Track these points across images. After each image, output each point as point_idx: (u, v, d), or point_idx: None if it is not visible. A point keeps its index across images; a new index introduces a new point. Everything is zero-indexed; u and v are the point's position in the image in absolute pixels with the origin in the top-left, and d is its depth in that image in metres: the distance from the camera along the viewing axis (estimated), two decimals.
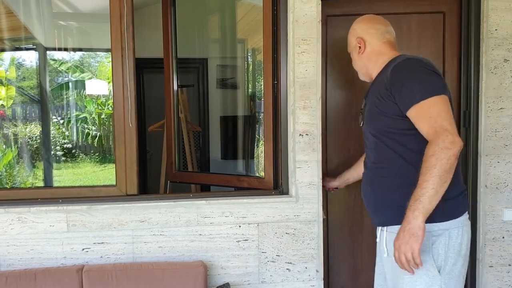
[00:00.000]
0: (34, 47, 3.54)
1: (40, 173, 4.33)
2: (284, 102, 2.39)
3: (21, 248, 2.22)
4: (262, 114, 2.58)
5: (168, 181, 3.36)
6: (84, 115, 5.54)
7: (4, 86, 4.39)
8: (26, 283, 2.10)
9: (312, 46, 2.31)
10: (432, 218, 1.57)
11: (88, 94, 5.36)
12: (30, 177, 4.26)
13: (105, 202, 2.28)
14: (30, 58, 4.07)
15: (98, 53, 5.21)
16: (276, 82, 2.41)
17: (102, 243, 2.26)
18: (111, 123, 5.66)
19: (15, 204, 2.24)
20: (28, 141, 4.43)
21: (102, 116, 5.66)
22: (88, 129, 5.57)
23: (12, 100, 4.43)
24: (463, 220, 1.70)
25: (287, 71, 2.36)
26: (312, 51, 2.31)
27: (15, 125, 4.40)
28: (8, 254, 2.21)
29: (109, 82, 5.11)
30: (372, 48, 1.91)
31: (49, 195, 2.34)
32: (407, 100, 1.61)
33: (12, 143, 4.32)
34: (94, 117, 5.58)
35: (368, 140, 1.88)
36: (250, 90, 4.10)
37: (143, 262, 2.24)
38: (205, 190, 3.75)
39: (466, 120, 2.54)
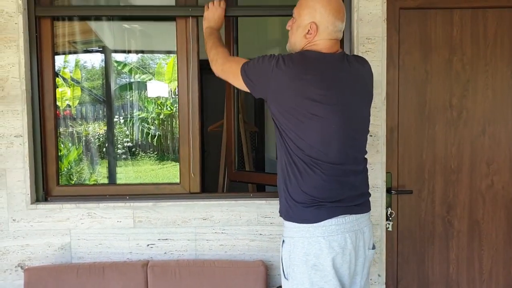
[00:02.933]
0: (101, 49, 3.70)
1: (103, 170, 4.51)
2: None
3: (90, 242, 2.32)
4: None
5: (225, 180, 3.41)
6: (143, 115, 5.72)
7: (70, 87, 4.61)
8: (95, 276, 2.19)
9: (377, 45, 2.26)
10: (281, 211, 1.77)
11: (148, 96, 5.54)
12: (94, 174, 4.45)
13: (170, 199, 2.34)
14: (95, 60, 4.25)
15: (156, 55, 5.36)
16: None
17: (166, 239, 2.33)
18: (169, 123, 5.81)
19: (85, 200, 2.35)
20: (92, 140, 4.62)
21: (161, 116, 5.82)
22: (148, 128, 5.75)
23: (78, 100, 4.65)
24: (311, 231, 1.67)
25: None
26: (377, 50, 2.26)
27: (80, 124, 4.61)
28: (78, 247, 2.32)
29: (169, 83, 5.25)
30: (316, 40, 1.73)
31: (116, 192, 2.43)
32: None
33: (77, 141, 4.53)
34: (153, 117, 5.75)
35: None
36: None
37: (205, 260, 2.28)
38: (260, 189, 3.77)
39: None
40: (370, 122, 2.27)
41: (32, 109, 2.31)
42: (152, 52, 4.87)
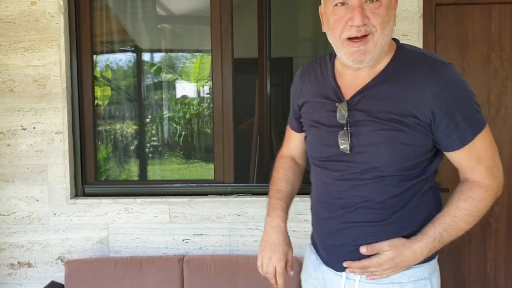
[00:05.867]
0: (133, 49, 3.75)
1: (133, 168, 4.58)
2: None
3: (128, 237, 2.37)
4: None
5: (255, 178, 3.41)
6: (171, 114, 5.79)
7: (100, 86, 4.70)
8: (133, 270, 2.24)
9: (413, 41, 2.24)
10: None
11: (176, 95, 5.60)
12: (125, 172, 4.51)
13: (205, 195, 2.37)
14: (127, 59, 4.32)
15: (182, 54, 5.42)
16: None
17: (201, 234, 2.35)
18: (195, 123, 5.88)
19: (122, 195, 2.40)
20: (121, 138, 4.70)
21: (187, 116, 5.88)
22: (175, 128, 5.81)
23: (108, 100, 4.73)
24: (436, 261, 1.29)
25: None
26: None
27: (110, 123, 4.68)
28: (116, 241, 2.37)
29: (195, 83, 5.32)
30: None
31: (154, 192, 2.47)
32: (467, 134, 1.16)
33: (107, 140, 4.60)
34: (180, 117, 5.82)
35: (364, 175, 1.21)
36: None
37: (239, 255, 2.30)
38: None
39: None
40: None
41: (72, 107, 2.37)
42: (182, 51, 4.92)
